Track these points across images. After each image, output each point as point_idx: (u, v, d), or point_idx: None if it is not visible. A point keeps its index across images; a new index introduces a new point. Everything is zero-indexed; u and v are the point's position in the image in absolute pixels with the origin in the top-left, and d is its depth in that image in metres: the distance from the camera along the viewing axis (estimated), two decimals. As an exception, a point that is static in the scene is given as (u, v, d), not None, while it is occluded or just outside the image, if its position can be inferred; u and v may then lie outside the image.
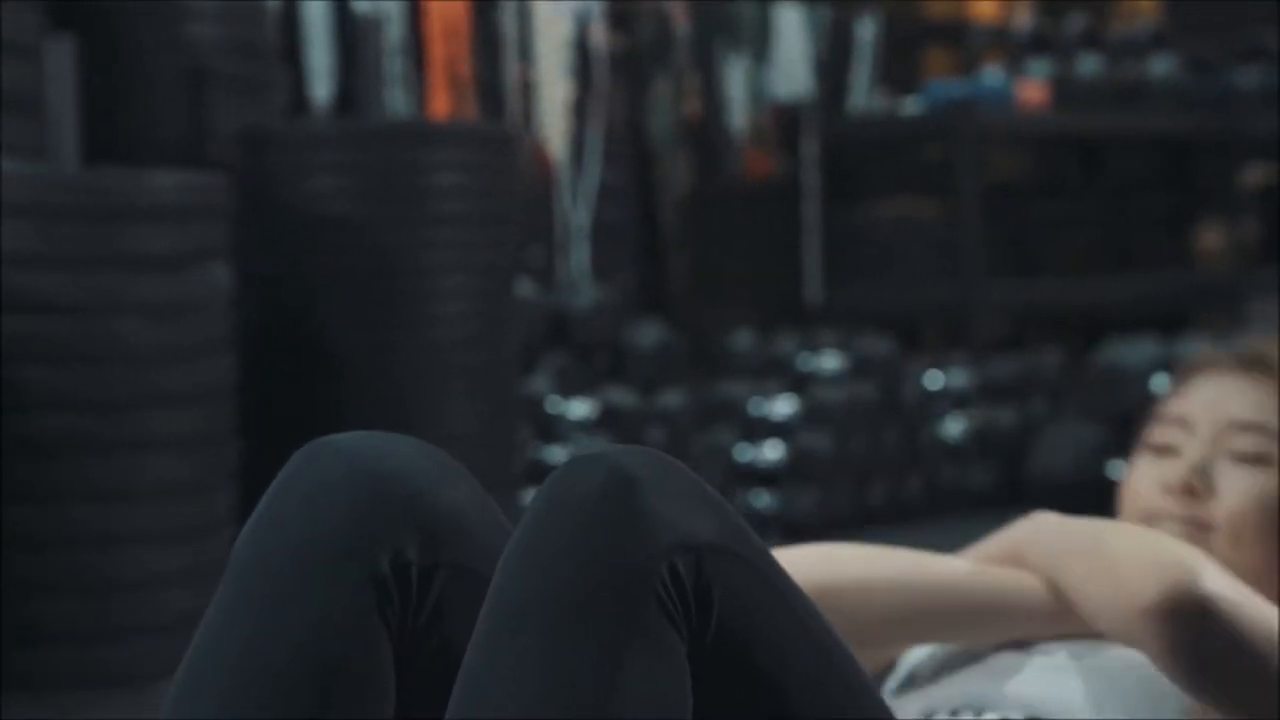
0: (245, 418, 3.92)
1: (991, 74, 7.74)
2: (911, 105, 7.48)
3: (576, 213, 6.81)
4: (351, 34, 5.82)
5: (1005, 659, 1.77)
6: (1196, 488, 1.85)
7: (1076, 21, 8.00)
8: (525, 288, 5.59)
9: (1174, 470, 1.88)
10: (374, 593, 1.39)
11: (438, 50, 6.29)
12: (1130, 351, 6.09)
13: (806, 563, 1.70)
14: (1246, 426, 1.87)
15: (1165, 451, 1.91)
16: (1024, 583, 1.76)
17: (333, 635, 1.39)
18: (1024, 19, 8.92)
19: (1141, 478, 1.92)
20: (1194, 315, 7.61)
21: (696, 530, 1.35)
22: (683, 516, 1.35)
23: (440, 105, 6.29)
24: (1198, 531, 1.84)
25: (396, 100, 6.04)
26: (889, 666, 1.86)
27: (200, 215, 3.74)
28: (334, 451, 1.44)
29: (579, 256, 6.79)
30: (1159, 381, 5.95)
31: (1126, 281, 7.67)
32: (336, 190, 4.37)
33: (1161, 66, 7.67)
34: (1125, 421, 5.93)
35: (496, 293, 4.53)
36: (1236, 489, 1.85)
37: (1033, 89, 7.34)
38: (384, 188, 4.39)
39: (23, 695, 3.50)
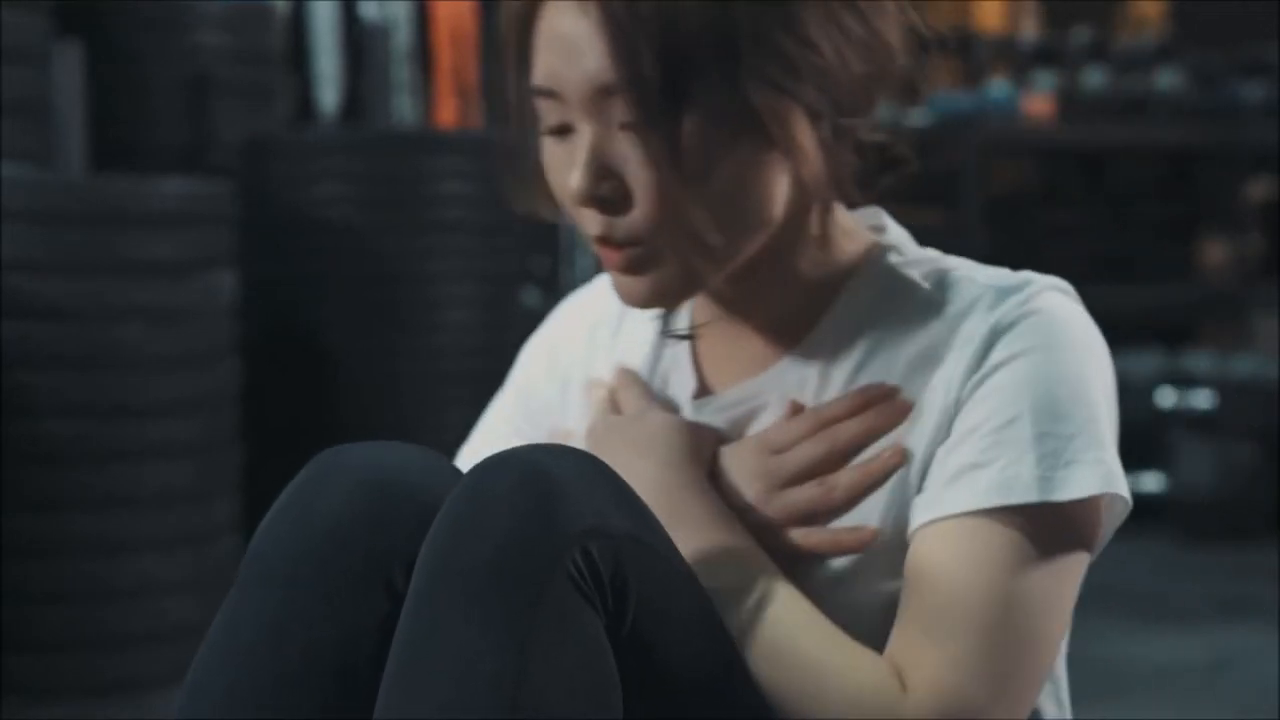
0: (248, 425, 3.92)
1: (997, 86, 7.74)
2: (917, 116, 7.47)
3: (581, 221, 6.81)
4: (358, 41, 5.82)
5: None
6: (605, 193, 1.43)
7: (1082, 34, 8.00)
8: (530, 296, 5.59)
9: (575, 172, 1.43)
10: (386, 603, 1.40)
11: (445, 58, 6.29)
12: (1134, 363, 6.08)
13: None
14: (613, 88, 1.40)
15: (561, 132, 1.46)
16: None
17: (344, 644, 1.39)
18: (1030, 31, 8.92)
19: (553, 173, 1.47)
20: (1197, 328, 7.60)
21: (611, 519, 1.35)
22: (597, 506, 1.35)
23: (447, 113, 6.29)
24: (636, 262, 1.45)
25: (403, 107, 6.04)
26: None
27: (204, 222, 3.74)
28: (344, 462, 1.44)
29: (583, 265, 6.79)
30: (1163, 394, 5.94)
31: (1130, 293, 7.66)
32: (341, 197, 4.37)
33: (1167, 79, 7.67)
34: (1129, 433, 5.93)
35: (501, 300, 4.53)
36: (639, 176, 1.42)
37: (1038, 101, 7.34)
38: (389, 195, 4.39)
39: (23, 702, 3.49)
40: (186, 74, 4.56)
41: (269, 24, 4.88)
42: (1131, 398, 6.06)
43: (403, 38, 6.10)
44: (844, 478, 1.47)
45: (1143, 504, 6.51)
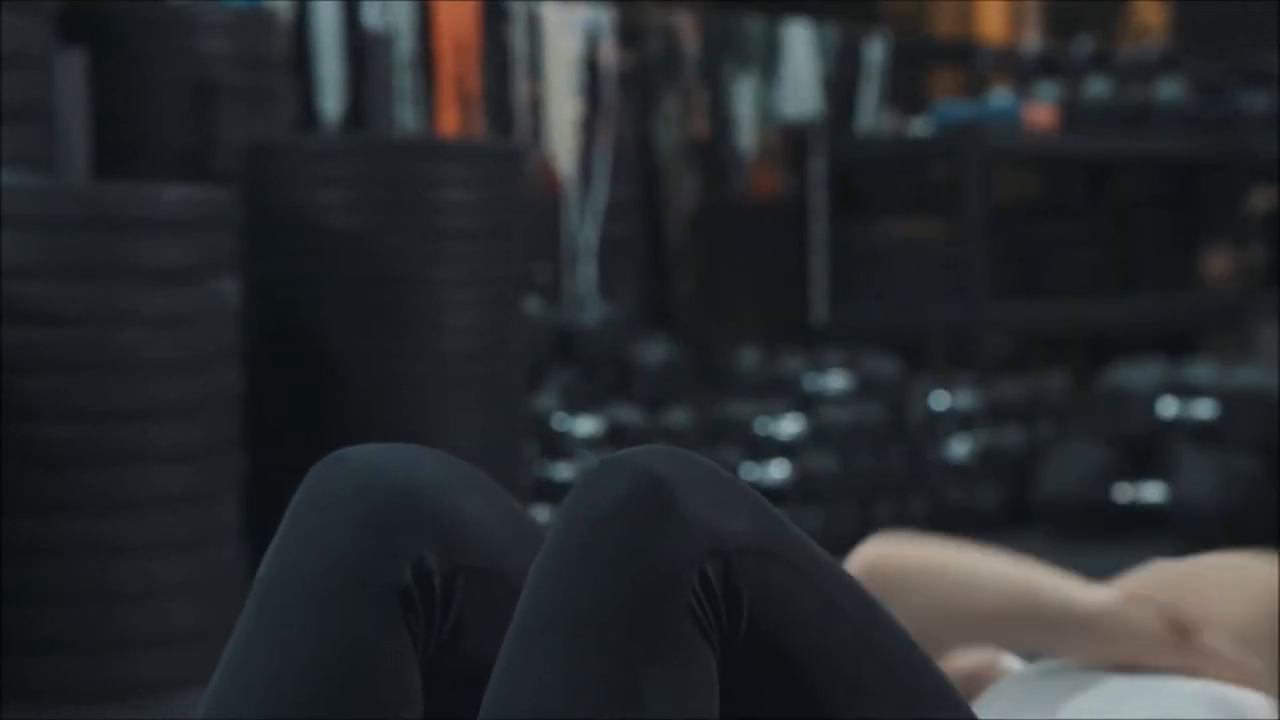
0: (249, 428, 3.92)
1: (1000, 96, 7.74)
2: (919, 126, 7.48)
3: (583, 229, 6.81)
4: (361, 48, 5.83)
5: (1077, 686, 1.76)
6: None
7: (1085, 44, 8.00)
8: (532, 304, 5.59)
9: None
10: (398, 604, 1.40)
11: (447, 66, 6.29)
12: (1136, 374, 6.08)
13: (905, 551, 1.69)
14: None
15: None
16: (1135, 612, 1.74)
17: (359, 647, 1.40)
18: (1032, 40, 8.93)
19: None
20: (1199, 338, 7.60)
21: (726, 532, 1.34)
22: (712, 518, 1.34)
23: (449, 121, 6.29)
24: None
25: (405, 115, 6.05)
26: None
27: (207, 227, 3.74)
28: (348, 465, 1.45)
29: (586, 272, 6.79)
30: (1165, 404, 5.94)
31: (1132, 303, 7.66)
32: (344, 204, 4.37)
33: (1169, 89, 7.67)
34: (1131, 444, 5.93)
35: (503, 307, 4.53)
36: None
37: (1041, 111, 7.34)
38: (392, 202, 4.39)
39: (24, 705, 3.49)
40: (190, 79, 4.56)
41: (272, 29, 4.88)
42: (1133, 409, 6.05)
43: (405, 46, 6.11)
44: None
45: (1144, 515, 6.45)
